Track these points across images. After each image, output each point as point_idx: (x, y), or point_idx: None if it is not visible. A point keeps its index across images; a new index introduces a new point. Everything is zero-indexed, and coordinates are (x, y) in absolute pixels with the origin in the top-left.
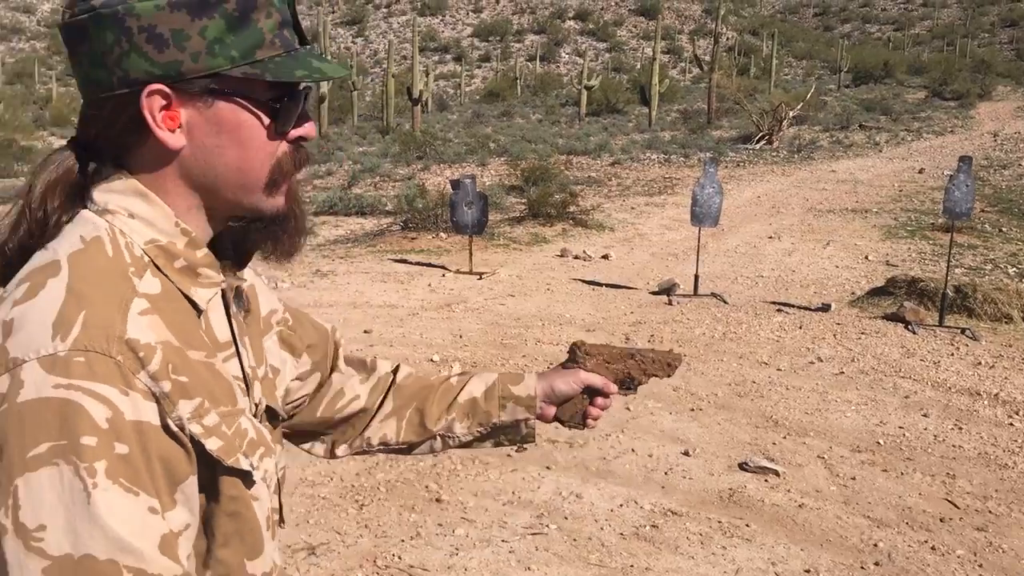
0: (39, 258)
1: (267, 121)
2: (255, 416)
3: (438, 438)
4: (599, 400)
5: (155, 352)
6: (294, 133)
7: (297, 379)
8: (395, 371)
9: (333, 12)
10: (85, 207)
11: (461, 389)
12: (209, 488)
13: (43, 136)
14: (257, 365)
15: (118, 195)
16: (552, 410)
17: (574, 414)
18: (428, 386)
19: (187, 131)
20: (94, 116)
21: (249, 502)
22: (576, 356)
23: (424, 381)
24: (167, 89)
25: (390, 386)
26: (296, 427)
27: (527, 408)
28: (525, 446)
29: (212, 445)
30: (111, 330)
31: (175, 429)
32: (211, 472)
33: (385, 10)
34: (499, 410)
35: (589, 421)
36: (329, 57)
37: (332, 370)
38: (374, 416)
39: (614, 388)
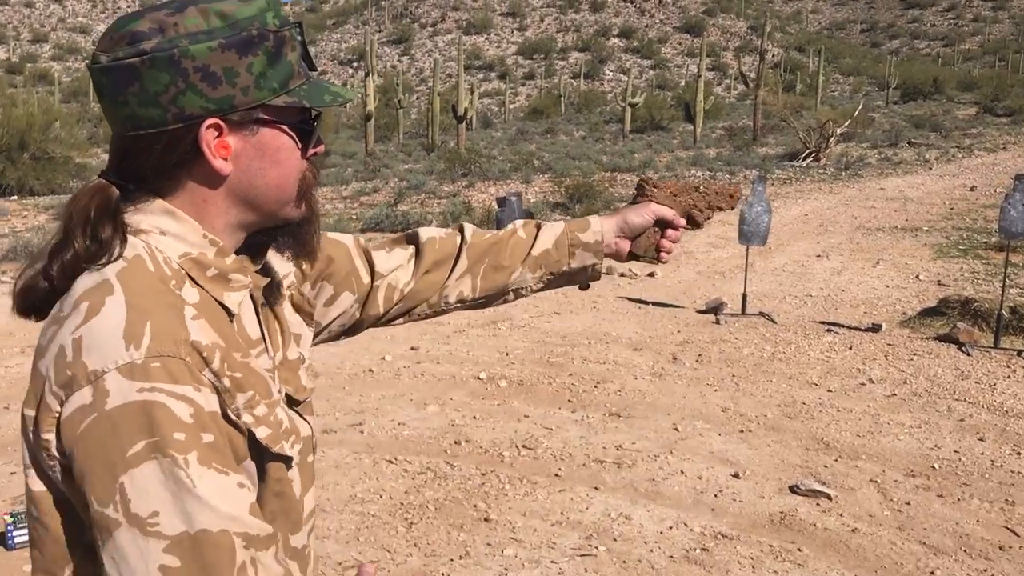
0: (88, 280)
1: (298, 143)
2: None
3: (511, 292)
4: (670, 232)
5: (214, 352)
6: (313, 151)
7: (331, 322)
8: (461, 230)
9: (380, 31)
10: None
11: (533, 242)
12: (258, 472)
13: (97, 153)
14: (283, 348)
15: (148, 215)
16: (627, 244)
17: (648, 247)
18: (498, 242)
19: (234, 157)
20: (144, 149)
21: (290, 483)
22: (645, 190)
23: (494, 237)
24: (220, 122)
25: (460, 245)
26: (375, 323)
27: (595, 253)
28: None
29: (261, 434)
30: (177, 335)
31: (234, 418)
32: (260, 458)
33: (431, 29)
34: (569, 258)
35: (662, 254)
36: (337, 82)
37: (373, 276)
38: (450, 275)
39: (682, 221)
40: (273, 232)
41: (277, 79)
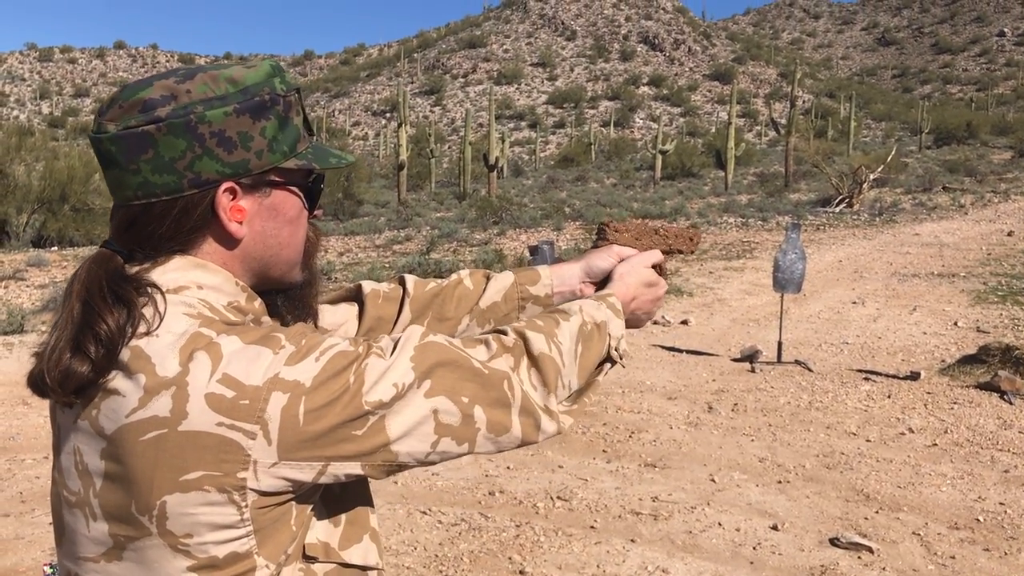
0: (160, 343)
1: (305, 204)
2: None
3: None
4: None
5: None
6: (313, 213)
7: None
8: (402, 282)
9: (412, 83)
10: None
11: (481, 294)
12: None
13: None
14: None
15: (179, 272)
16: (591, 289)
17: None
18: (440, 292)
19: (248, 220)
20: (156, 216)
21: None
22: (606, 234)
23: (437, 288)
24: (235, 185)
25: (403, 298)
26: None
27: (544, 306)
28: None
29: None
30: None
31: None
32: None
33: (462, 80)
34: (518, 311)
35: None
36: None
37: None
38: (394, 326)
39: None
40: (272, 296)
41: (287, 142)
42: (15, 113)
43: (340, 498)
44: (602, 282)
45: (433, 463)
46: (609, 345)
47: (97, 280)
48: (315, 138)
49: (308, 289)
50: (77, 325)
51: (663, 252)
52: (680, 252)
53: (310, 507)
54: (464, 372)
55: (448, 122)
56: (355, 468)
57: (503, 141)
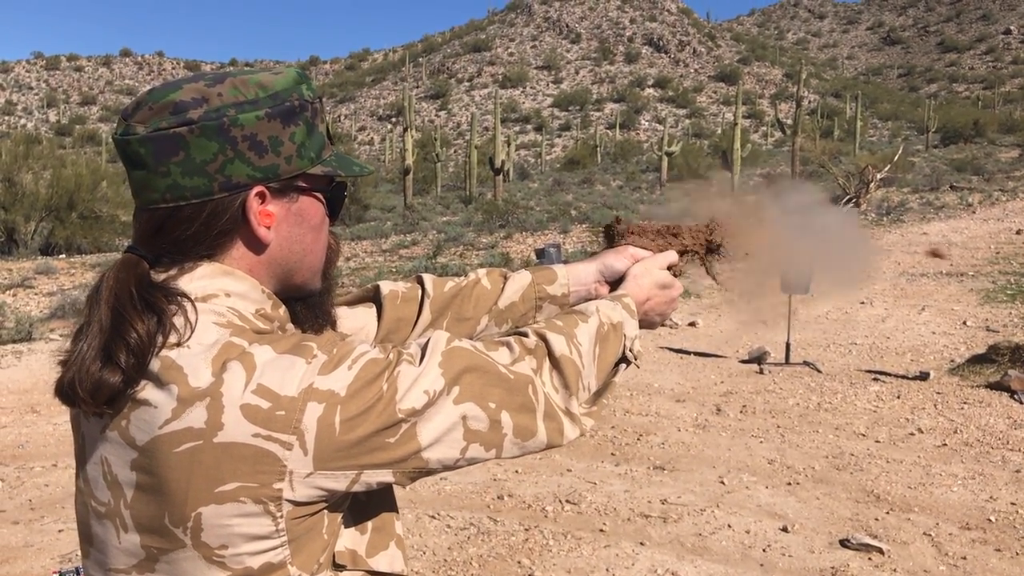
0: (193, 354)
1: (327, 211)
2: None
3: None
4: None
5: None
6: (333, 221)
7: None
8: (420, 282)
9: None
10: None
11: (500, 294)
12: None
13: None
14: None
15: (207, 280)
16: (606, 289)
17: None
18: (459, 292)
19: (276, 224)
20: (185, 219)
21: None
22: (616, 232)
23: (456, 288)
24: (265, 190)
25: (422, 298)
26: None
27: (561, 307)
28: None
29: None
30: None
31: None
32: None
33: (467, 84)
34: (536, 311)
35: None
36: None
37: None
38: (414, 328)
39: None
40: (292, 304)
41: (314, 149)
42: (22, 121)
43: (366, 505)
44: (616, 282)
45: (459, 468)
46: (624, 346)
47: (126, 287)
48: (335, 146)
49: (326, 296)
50: (108, 333)
51: (679, 253)
52: (697, 253)
53: (340, 516)
54: (491, 377)
55: (454, 126)
56: (387, 476)
57: (509, 144)
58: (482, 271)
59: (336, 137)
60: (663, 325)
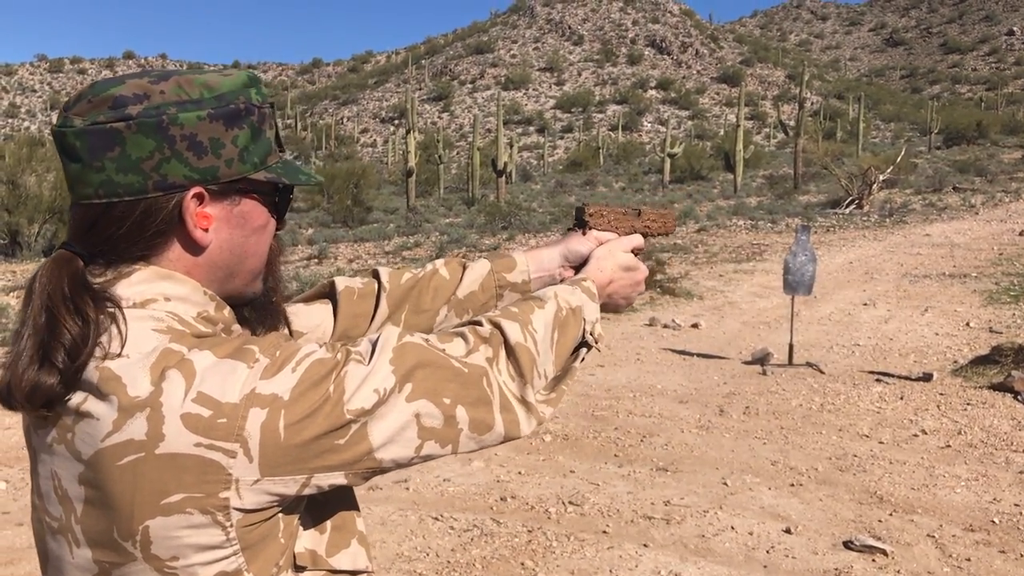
0: (129, 364)
1: (274, 217)
2: None
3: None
4: None
5: None
6: (280, 226)
7: None
8: (376, 275)
9: (420, 89)
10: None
11: (458, 283)
12: None
13: None
14: None
15: (145, 285)
16: (570, 273)
17: None
18: (417, 284)
19: (215, 228)
20: (117, 217)
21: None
22: (583, 218)
23: (412, 279)
24: (203, 191)
25: (379, 293)
26: None
27: (522, 294)
28: None
29: None
30: None
31: None
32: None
33: (470, 86)
34: (496, 299)
35: None
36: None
37: (292, 335)
38: (371, 322)
39: (641, 243)
40: (239, 309)
41: (258, 154)
42: (26, 124)
43: (324, 505)
44: (580, 266)
45: (415, 465)
46: (584, 329)
47: (59, 286)
48: (284, 154)
49: (274, 296)
50: (42, 334)
51: (643, 236)
52: (659, 235)
53: (297, 517)
54: (444, 372)
55: (456, 128)
56: (339, 478)
57: (511, 146)
58: (440, 261)
59: (339, 139)
60: (663, 326)
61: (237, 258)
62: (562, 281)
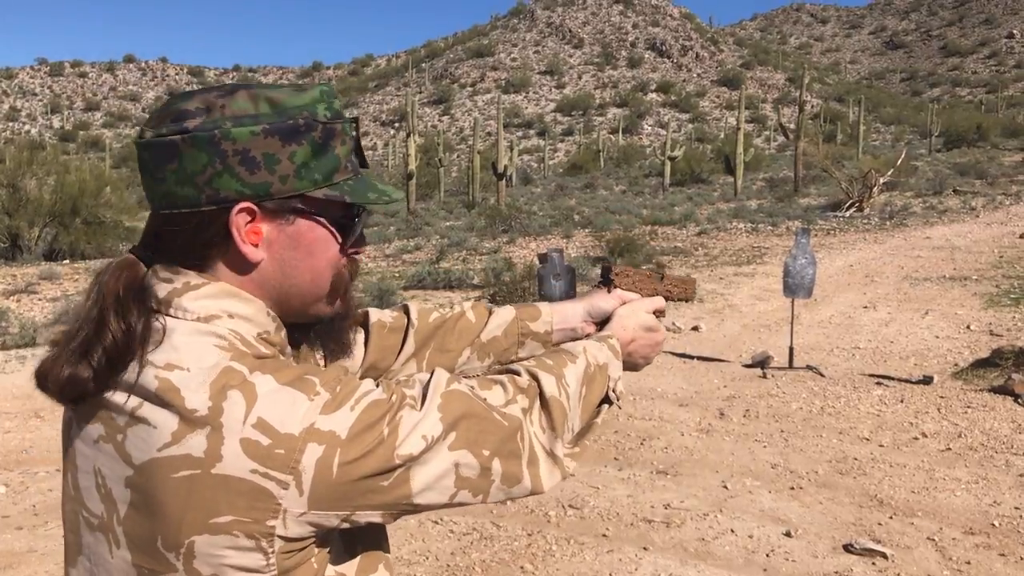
0: (192, 376)
1: (337, 238)
2: None
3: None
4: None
5: None
6: (353, 249)
7: None
8: (406, 311)
9: (420, 92)
10: (158, 312)
11: (483, 328)
12: None
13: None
14: None
15: (211, 300)
16: (593, 328)
17: None
18: (443, 324)
19: (267, 245)
20: (175, 230)
21: None
22: (609, 276)
23: (440, 319)
24: (254, 207)
25: (407, 328)
26: None
27: (543, 344)
28: None
29: None
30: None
31: None
32: None
33: (470, 89)
34: (518, 347)
35: None
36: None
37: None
38: (397, 357)
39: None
40: (306, 328)
41: (321, 171)
42: (26, 127)
43: (356, 531)
44: (603, 323)
45: (443, 509)
46: (608, 387)
47: (114, 289)
48: (362, 172)
49: (341, 323)
50: (91, 330)
51: (664, 299)
52: (680, 300)
53: (330, 545)
54: (486, 424)
55: (456, 131)
56: (376, 517)
57: (512, 149)
58: (467, 304)
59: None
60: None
61: (290, 279)
62: (587, 336)
